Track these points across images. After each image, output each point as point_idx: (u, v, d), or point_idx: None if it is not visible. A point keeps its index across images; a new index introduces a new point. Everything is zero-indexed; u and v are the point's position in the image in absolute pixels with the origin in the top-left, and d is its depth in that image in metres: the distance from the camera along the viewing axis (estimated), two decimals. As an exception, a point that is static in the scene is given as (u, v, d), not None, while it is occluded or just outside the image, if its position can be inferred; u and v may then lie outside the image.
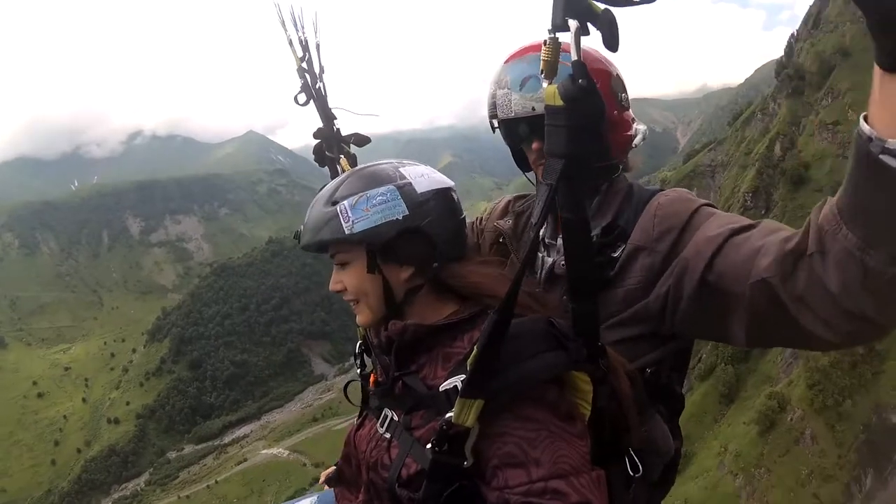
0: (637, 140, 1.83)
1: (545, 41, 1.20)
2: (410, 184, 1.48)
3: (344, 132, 2.35)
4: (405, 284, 1.50)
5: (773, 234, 1.34)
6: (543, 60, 1.22)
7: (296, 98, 2.33)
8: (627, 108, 1.78)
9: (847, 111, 59.65)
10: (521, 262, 1.21)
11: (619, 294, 1.61)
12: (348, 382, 1.91)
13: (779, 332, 1.36)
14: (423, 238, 1.46)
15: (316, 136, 2.36)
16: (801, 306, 1.23)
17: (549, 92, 1.20)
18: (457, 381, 1.27)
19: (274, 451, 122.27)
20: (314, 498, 2.11)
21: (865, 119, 1.03)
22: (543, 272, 1.80)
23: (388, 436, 1.47)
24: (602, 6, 1.08)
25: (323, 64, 2.32)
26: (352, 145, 2.36)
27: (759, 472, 42.40)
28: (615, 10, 1.09)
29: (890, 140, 0.98)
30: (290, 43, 2.30)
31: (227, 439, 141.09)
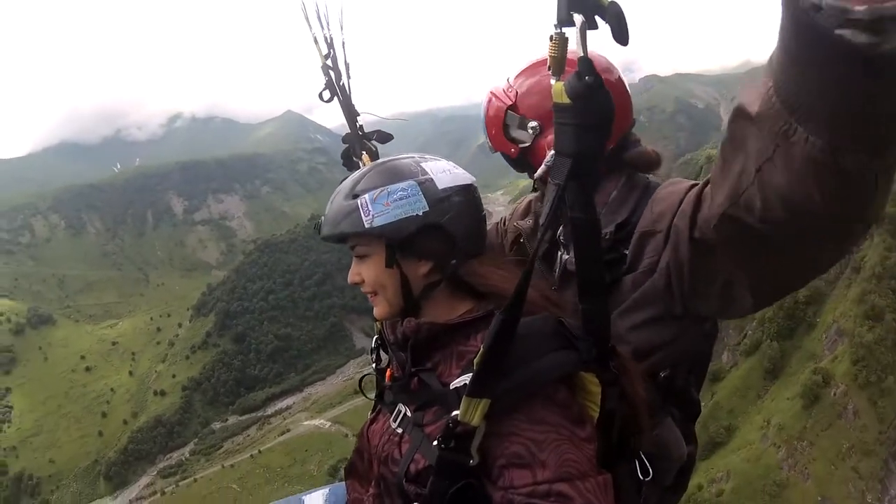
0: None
1: (551, 36, 1.17)
2: (432, 179, 1.47)
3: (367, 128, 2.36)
4: (423, 280, 1.50)
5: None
6: (550, 57, 1.19)
7: (320, 95, 2.33)
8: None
9: None
10: (528, 263, 1.18)
11: (628, 282, 1.61)
12: (363, 376, 1.93)
13: (770, 268, 1.29)
14: (443, 234, 1.45)
15: (345, 140, 2.37)
16: (765, 219, 1.14)
17: (557, 89, 1.16)
18: (467, 378, 1.26)
19: (316, 422, 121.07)
20: (326, 490, 2.11)
21: None
22: (559, 269, 1.79)
23: (399, 431, 1.47)
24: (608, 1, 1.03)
25: (348, 61, 2.32)
26: (374, 142, 2.36)
27: (802, 444, 43.99)
28: (622, 2, 1.04)
29: (857, 7, 0.73)
30: (315, 40, 2.30)
31: (270, 411, 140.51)
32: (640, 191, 1.75)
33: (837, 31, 0.76)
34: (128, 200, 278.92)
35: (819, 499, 40.70)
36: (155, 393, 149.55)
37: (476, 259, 1.51)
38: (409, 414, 1.46)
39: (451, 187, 1.47)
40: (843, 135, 0.91)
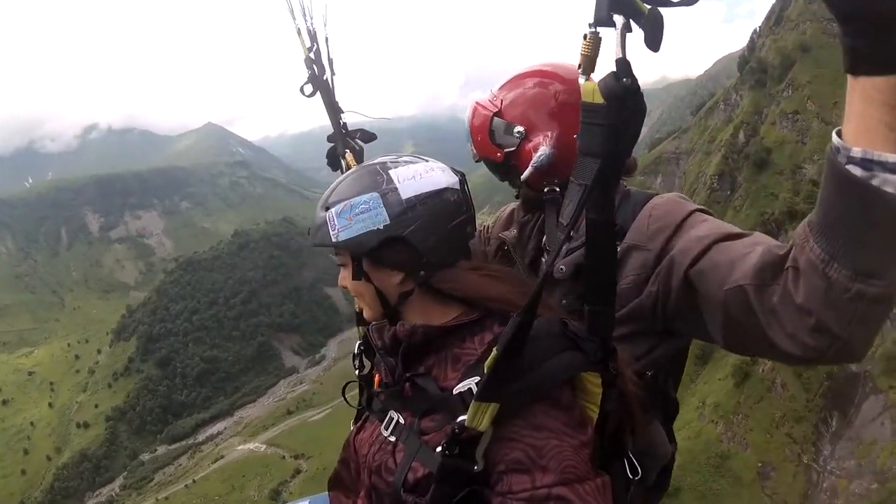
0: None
1: (585, 35, 1.19)
2: (396, 189, 1.44)
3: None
4: (397, 289, 1.49)
5: (760, 245, 1.36)
6: (583, 55, 1.21)
7: (302, 89, 2.29)
8: None
9: (806, 102, 67.21)
10: (548, 263, 1.21)
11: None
12: (346, 384, 1.88)
13: (750, 341, 1.36)
14: (407, 246, 1.43)
15: (330, 139, 2.35)
16: (772, 318, 1.23)
17: (588, 88, 1.15)
18: (471, 383, 1.27)
19: (250, 446, 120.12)
20: (306, 502, 2.09)
21: (839, 133, 1.03)
22: (539, 280, 1.62)
23: (392, 439, 1.45)
24: (648, 6, 1.05)
25: (332, 56, 2.29)
26: (358, 141, 2.34)
27: (738, 418, 47.46)
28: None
29: (854, 148, 0.99)
30: (298, 32, 2.28)
31: (201, 437, 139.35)
32: (619, 196, 1.77)
33: (846, 166, 0.99)
34: (40, 217, 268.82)
35: (759, 464, 44.16)
36: (78, 425, 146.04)
37: (454, 266, 1.49)
38: (401, 421, 1.45)
39: (416, 196, 1.44)
40: (836, 250, 1.06)
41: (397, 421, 1.46)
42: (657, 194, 1.81)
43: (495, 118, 1.86)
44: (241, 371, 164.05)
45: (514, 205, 2.21)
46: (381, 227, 1.41)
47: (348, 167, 2.25)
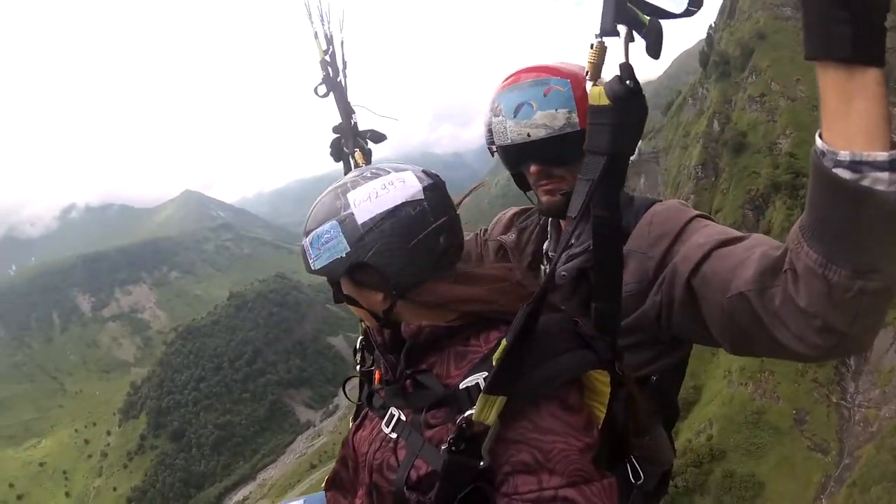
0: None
1: (592, 44, 1.23)
2: (352, 214, 1.42)
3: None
4: (381, 305, 1.48)
5: (758, 248, 1.37)
6: (589, 63, 1.25)
7: (316, 90, 2.34)
8: None
9: (770, 84, 72.25)
10: (552, 263, 1.22)
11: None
12: (347, 379, 1.88)
13: (758, 344, 1.38)
14: (372, 270, 1.42)
15: (335, 130, 2.37)
16: (777, 321, 1.25)
17: (595, 92, 1.22)
18: (479, 378, 1.27)
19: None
20: (301, 501, 2.08)
21: (821, 135, 1.04)
22: (547, 274, 1.66)
23: (394, 436, 1.44)
24: (648, 18, 1.12)
25: (346, 59, 2.36)
26: (368, 141, 2.38)
27: (764, 375, 49.53)
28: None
29: (841, 152, 0.99)
30: (315, 35, 2.33)
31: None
32: (622, 201, 1.78)
33: (834, 170, 1.00)
34: (30, 303, 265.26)
35: (794, 412, 46.78)
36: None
37: (430, 280, 1.44)
38: (403, 418, 1.44)
39: (371, 219, 1.40)
40: (833, 253, 1.07)
41: (398, 418, 1.45)
42: (659, 201, 1.83)
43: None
44: (256, 433, 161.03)
45: (513, 210, 2.29)
46: (344, 256, 1.41)
47: (356, 166, 2.31)
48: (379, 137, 2.39)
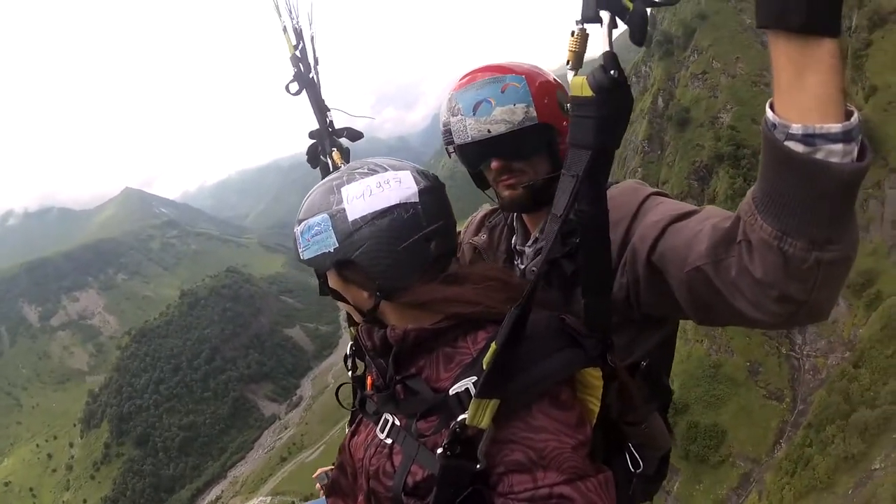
0: None
1: (573, 32, 1.20)
2: (343, 210, 1.41)
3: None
4: (366, 302, 1.48)
5: (710, 220, 1.36)
6: (571, 51, 1.22)
7: (287, 87, 2.29)
8: None
9: (711, 62, 78.39)
10: (541, 264, 1.22)
11: (580, 291, 1.53)
12: (340, 386, 1.88)
13: (719, 314, 1.38)
14: (358, 268, 1.42)
15: (311, 135, 2.34)
16: (735, 291, 1.24)
17: (577, 83, 1.18)
18: (468, 383, 1.26)
19: (255, 501, 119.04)
20: None
21: (771, 106, 1.02)
22: (535, 276, 1.62)
23: (389, 441, 1.43)
24: (632, 3, 1.07)
25: (318, 55, 2.30)
26: (344, 139, 2.34)
27: (717, 331, 52.92)
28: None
29: (794, 125, 0.97)
30: (284, 29, 2.28)
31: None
32: None
33: (785, 143, 0.99)
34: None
35: (748, 364, 52.02)
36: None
37: (416, 284, 1.44)
38: (397, 423, 1.43)
39: (362, 217, 1.39)
40: (787, 226, 1.06)
41: (392, 423, 1.44)
42: (615, 182, 1.83)
43: (558, 91, 1.82)
44: (222, 431, 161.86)
45: (484, 210, 2.28)
46: (332, 251, 1.41)
47: (335, 166, 2.26)
48: (356, 135, 2.36)
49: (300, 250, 1.47)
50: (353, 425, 1.69)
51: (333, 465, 1.85)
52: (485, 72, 1.80)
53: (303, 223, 1.46)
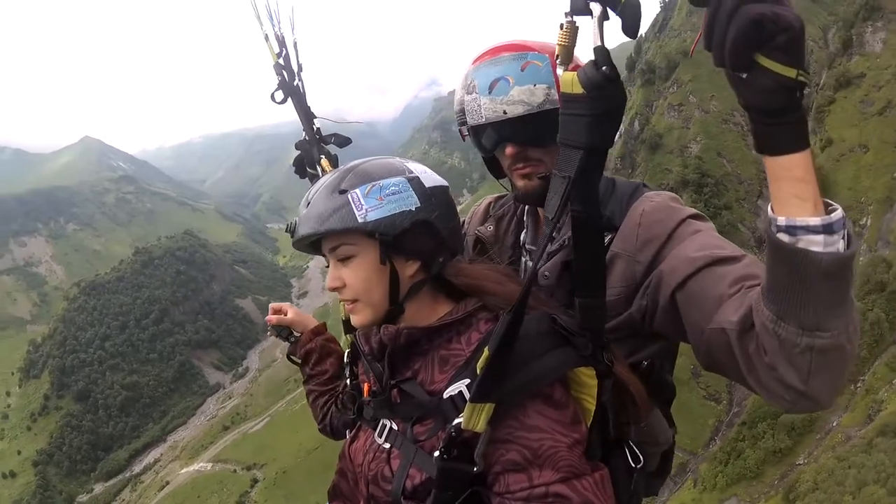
0: None
1: (562, 25, 1.15)
2: (418, 177, 1.46)
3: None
4: (410, 280, 1.47)
5: (747, 280, 1.34)
6: (560, 45, 1.18)
7: (272, 96, 2.25)
8: None
9: (688, 96, 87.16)
10: (534, 263, 1.22)
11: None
12: (337, 384, 1.94)
13: (730, 375, 1.38)
14: (432, 231, 1.44)
15: (298, 146, 2.32)
16: (751, 366, 1.25)
17: (566, 79, 1.14)
18: (461, 386, 1.27)
19: (195, 466, 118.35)
20: None
21: (771, 206, 1.09)
22: (526, 278, 1.63)
23: (387, 446, 1.44)
24: None
25: (301, 62, 2.26)
26: (332, 145, 2.33)
27: None
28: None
29: (779, 217, 1.07)
30: (266, 38, 2.24)
31: (137, 468, 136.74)
32: (604, 186, 1.73)
33: (777, 235, 1.07)
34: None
35: (691, 366, 53.91)
36: (3, 476, 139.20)
37: (459, 260, 1.51)
38: (394, 428, 1.44)
39: (433, 187, 1.47)
40: (782, 310, 1.11)
41: (390, 428, 1.46)
42: (643, 184, 1.79)
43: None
44: (165, 394, 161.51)
45: (489, 199, 2.19)
46: (413, 209, 1.41)
47: (324, 173, 2.21)
48: (344, 141, 2.31)
49: (362, 211, 1.39)
50: (353, 431, 1.68)
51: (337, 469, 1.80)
52: (506, 48, 1.68)
53: (368, 185, 1.42)
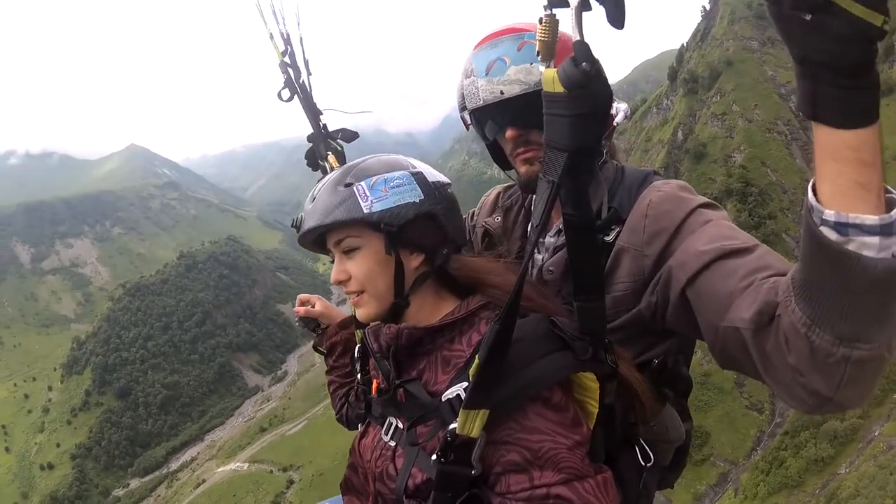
0: (619, 119, 1.70)
1: (541, 18, 1.06)
2: (421, 172, 1.48)
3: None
4: (414, 273, 1.47)
5: (761, 272, 1.26)
6: (540, 41, 1.08)
7: (279, 94, 2.25)
8: None
9: (732, 105, 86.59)
10: (522, 267, 1.12)
11: (608, 301, 1.48)
12: (355, 378, 1.86)
13: (747, 373, 1.30)
14: (436, 224, 1.45)
15: (310, 139, 2.30)
16: (768, 365, 1.17)
17: (548, 77, 1.06)
18: (459, 389, 1.25)
19: (232, 466, 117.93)
20: None
21: (814, 187, 0.95)
22: (535, 274, 1.72)
23: (392, 444, 1.44)
24: None
25: (307, 58, 2.24)
26: (339, 141, 2.30)
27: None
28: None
29: (827, 211, 0.91)
30: (271, 36, 2.23)
31: (174, 465, 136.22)
32: (612, 174, 1.70)
33: (820, 228, 0.91)
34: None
35: (735, 376, 54.51)
36: (42, 467, 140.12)
37: (462, 253, 1.52)
38: (400, 426, 1.44)
39: (435, 182, 1.48)
40: (817, 315, 0.99)
41: (396, 426, 1.46)
42: (654, 172, 1.72)
43: None
44: (204, 394, 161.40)
45: (498, 189, 2.13)
46: (417, 201, 1.42)
47: (331, 168, 2.20)
48: (351, 136, 2.32)
49: (367, 202, 1.40)
50: (363, 426, 1.67)
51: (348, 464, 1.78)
52: (506, 31, 1.63)
53: (373, 178, 1.44)
